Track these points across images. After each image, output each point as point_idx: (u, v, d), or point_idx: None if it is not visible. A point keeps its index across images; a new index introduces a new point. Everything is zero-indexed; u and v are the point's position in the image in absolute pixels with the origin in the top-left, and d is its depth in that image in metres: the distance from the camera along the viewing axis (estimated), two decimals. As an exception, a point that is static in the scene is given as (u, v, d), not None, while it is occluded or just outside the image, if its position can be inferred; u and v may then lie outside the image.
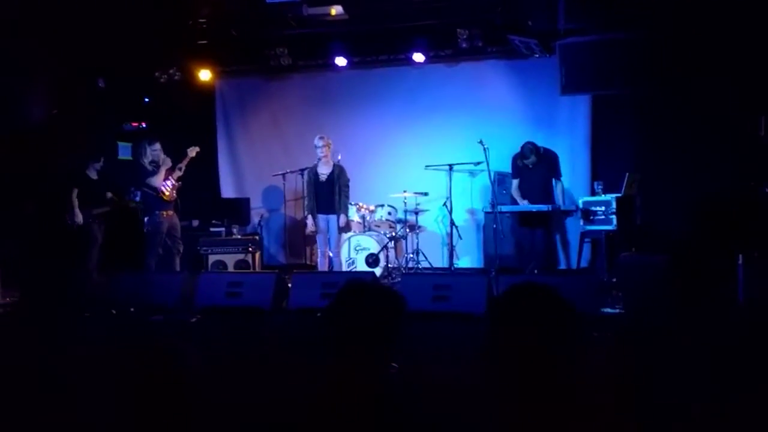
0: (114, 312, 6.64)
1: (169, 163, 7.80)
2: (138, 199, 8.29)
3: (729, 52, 6.12)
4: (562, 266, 8.31)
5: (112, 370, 1.76)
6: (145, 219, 7.82)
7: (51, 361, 2.16)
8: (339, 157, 7.87)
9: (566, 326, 1.76)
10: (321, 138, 7.77)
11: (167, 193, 7.76)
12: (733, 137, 6.82)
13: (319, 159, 7.75)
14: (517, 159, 7.72)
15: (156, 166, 7.76)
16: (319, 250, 7.94)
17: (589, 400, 1.74)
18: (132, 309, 6.60)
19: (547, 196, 7.65)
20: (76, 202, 7.66)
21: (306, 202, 7.96)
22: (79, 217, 7.64)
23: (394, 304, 2.02)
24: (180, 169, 7.84)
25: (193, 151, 7.89)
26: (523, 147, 7.60)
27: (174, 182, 7.83)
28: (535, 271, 7.41)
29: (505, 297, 1.86)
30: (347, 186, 7.77)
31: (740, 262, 5.49)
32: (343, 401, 1.82)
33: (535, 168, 7.64)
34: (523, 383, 1.75)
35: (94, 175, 7.95)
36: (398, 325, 2.00)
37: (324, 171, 7.77)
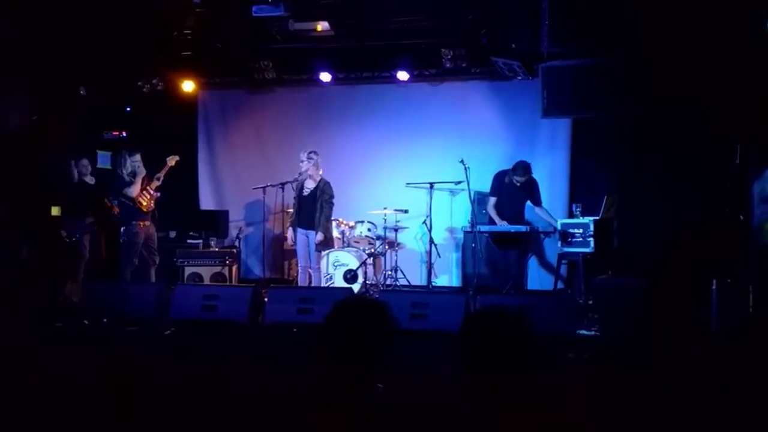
0: (86, 322, 6.54)
1: (143, 171, 7.73)
2: (115, 208, 8.21)
3: (708, 81, 6.23)
4: (536, 287, 8.33)
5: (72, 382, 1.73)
6: (122, 229, 7.73)
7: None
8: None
9: (527, 350, 1.78)
10: (303, 152, 7.74)
11: (145, 204, 7.69)
12: (709, 164, 6.93)
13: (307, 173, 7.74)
14: (506, 175, 7.64)
15: (134, 176, 7.71)
16: (299, 265, 7.90)
17: (564, 421, 1.74)
18: (105, 320, 6.51)
19: (521, 218, 7.68)
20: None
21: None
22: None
23: (386, 317, 2.01)
24: (159, 179, 7.78)
25: (172, 160, 7.83)
26: (518, 164, 7.53)
27: (152, 192, 7.76)
28: (512, 292, 7.42)
29: (471, 323, 1.89)
30: (329, 203, 7.67)
31: (714, 287, 5.56)
32: (333, 423, 1.80)
33: (519, 189, 7.65)
34: (495, 407, 1.75)
35: (90, 180, 7.80)
36: (390, 339, 1.98)
37: (309, 186, 7.76)
